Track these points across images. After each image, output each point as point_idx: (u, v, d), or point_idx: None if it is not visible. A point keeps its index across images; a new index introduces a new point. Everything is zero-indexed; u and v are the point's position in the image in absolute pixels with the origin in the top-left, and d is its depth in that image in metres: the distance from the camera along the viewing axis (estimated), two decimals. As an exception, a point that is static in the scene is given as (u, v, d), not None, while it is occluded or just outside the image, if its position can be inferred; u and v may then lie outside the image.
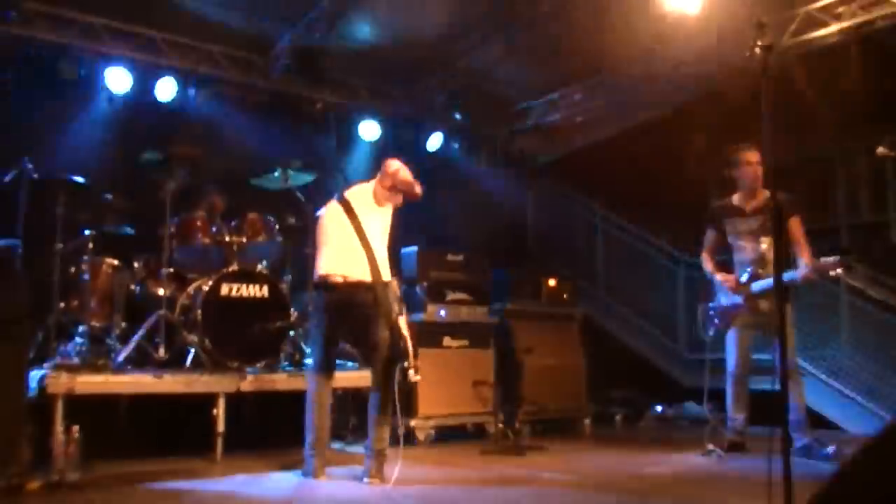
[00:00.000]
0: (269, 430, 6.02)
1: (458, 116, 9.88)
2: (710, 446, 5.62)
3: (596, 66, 9.04)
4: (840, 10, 7.48)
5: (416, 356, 4.58)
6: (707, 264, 5.94)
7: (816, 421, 5.46)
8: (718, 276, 5.84)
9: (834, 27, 7.56)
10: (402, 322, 4.57)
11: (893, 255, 9.07)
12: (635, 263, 10.49)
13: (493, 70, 9.27)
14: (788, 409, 3.84)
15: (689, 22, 7.40)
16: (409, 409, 6.34)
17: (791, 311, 5.67)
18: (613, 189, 10.38)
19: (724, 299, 5.84)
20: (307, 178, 6.51)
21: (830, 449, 5.23)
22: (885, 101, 10.49)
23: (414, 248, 7.05)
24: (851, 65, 10.56)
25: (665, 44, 8.33)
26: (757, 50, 3.16)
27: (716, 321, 5.87)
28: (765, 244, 5.59)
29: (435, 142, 9.85)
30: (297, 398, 4.96)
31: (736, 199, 5.86)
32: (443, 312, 6.84)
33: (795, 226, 5.48)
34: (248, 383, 5.51)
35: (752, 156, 5.72)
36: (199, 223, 6.17)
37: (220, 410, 5.31)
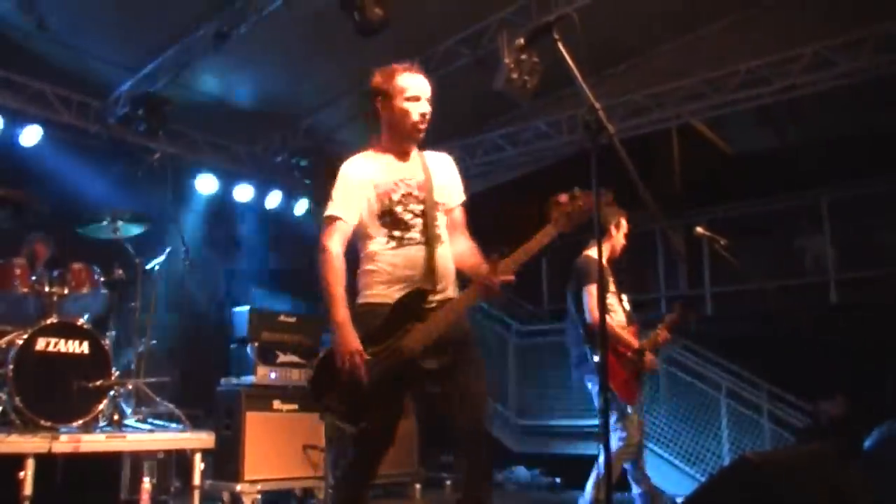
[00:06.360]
0: (83, 496, 5.65)
1: (298, 175, 9.81)
2: None
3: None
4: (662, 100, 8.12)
5: None
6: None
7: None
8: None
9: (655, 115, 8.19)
10: None
11: (707, 326, 9.68)
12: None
13: (335, 133, 9.33)
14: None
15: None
16: (235, 473, 6.16)
17: None
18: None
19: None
20: (139, 229, 6.27)
21: None
22: (700, 183, 11.37)
23: (246, 308, 6.91)
24: (670, 149, 11.41)
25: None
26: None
27: None
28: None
29: (274, 200, 9.73)
30: (115, 461, 4.71)
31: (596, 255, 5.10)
32: (273, 375, 6.71)
33: None
34: (62, 444, 5.16)
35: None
36: (17, 271, 5.74)
37: (28, 473, 4.93)
